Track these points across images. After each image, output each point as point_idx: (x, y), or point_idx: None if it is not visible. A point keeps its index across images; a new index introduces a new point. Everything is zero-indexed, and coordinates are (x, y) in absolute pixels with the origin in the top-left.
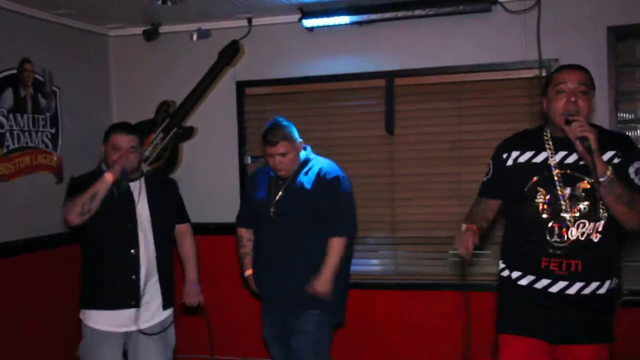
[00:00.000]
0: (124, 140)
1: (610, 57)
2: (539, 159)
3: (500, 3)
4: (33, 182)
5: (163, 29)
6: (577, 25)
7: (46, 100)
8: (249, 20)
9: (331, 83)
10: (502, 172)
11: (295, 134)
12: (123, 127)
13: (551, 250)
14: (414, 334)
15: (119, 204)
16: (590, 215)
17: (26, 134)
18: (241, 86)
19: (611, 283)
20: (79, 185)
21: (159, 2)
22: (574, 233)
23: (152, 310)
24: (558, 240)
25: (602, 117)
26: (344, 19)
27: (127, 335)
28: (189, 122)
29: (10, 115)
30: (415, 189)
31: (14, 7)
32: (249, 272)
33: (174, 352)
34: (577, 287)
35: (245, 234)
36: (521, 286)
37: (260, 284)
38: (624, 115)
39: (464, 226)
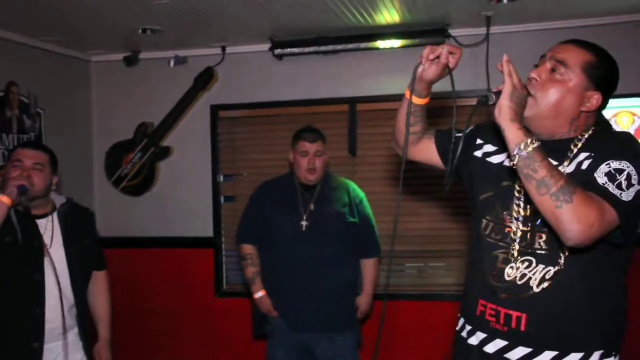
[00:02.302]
0: (26, 155)
1: None
2: (499, 158)
3: (453, 37)
4: None
5: (142, 55)
6: (520, 59)
7: (31, 121)
8: (223, 49)
9: (298, 107)
10: (467, 157)
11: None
12: (30, 143)
13: (489, 290)
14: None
15: (24, 248)
16: (539, 252)
17: None
18: (215, 109)
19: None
20: None
21: (139, 31)
22: (510, 272)
23: None
24: (497, 276)
25: None
26: (311, 49)
27: None
28: (165, 142)
29: None
30: (375, 206)
31: (1, 33)
32: (262, 292)
33: None
34: (521, 353)
35: (254, 251)
36: (462, 342)
37: (283, 306)
38: None
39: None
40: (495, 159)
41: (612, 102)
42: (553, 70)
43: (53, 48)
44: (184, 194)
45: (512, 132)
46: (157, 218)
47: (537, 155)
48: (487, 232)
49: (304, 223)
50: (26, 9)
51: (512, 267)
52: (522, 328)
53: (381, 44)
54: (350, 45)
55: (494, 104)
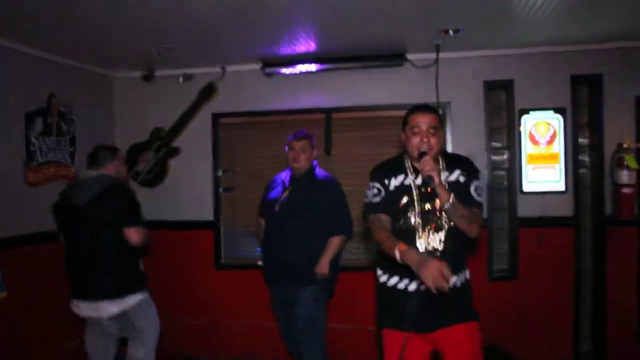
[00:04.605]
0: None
1: (485, 102)
2: (407, 181)
3: (410, 60)
4: (56, 188)
5: (157, 73)
6: (462, 79)
7: (67, 126)
8: (223, 68)
9: (284, 116)
10: (388, 194)
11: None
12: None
13: None
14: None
15: None
16: (436, 226)
17: (51, 151)
18: (216, 117)
19: (460, 275)
20: None
21: (156, 53)
22: (424, 242)
23: None
24: (419, 247)
25: (480, 145)
26: (295, 69)
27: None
28: (175, 143)
29: (40, 137)
30: (347, 195)
31: (43, 54)
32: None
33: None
34: None
35: (262, 221)
36: (398, 289)
37: (267, 269)
38: (495, 143)
39: (398, 250)
40: (397, 182)
41: (532, 114)
42: (433, 134)
43: (84, 66)
44: (190, 186)
45: (442, 193)
46: (168, 205)
47: (456, 203)
48: (403, 223)
49: (277, 206)
50: (65, 36)
51: (427, 239)
52: None
53: (352, 65)
54: (327, 66)
55: (432, 182)
